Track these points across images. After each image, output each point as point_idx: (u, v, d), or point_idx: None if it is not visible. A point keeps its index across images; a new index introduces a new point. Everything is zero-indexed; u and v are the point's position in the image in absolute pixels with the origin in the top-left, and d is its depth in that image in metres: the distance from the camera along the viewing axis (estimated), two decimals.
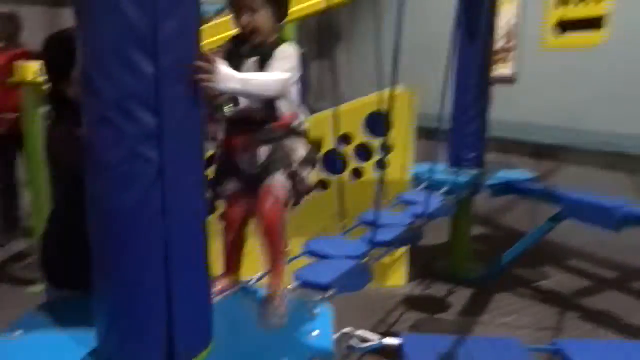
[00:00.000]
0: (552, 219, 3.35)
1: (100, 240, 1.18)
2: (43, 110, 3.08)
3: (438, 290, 3.62)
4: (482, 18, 2.75)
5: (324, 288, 1.69)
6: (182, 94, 1.14)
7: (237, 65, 1.36)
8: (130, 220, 1.13)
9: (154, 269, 1.14)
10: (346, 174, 3.49)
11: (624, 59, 3.85)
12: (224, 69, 1.23)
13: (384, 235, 2.19)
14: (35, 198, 3.21)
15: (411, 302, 3.48)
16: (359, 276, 1.84)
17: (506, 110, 4.67)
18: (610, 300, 3.51)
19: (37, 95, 3.08)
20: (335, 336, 1.43)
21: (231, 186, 1.50)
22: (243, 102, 1.44)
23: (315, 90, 7.00)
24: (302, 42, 4.57)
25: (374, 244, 2.05)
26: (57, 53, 1.58)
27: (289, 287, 1.66)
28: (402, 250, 3.65)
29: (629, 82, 3.85)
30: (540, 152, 4.62)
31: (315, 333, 1.35)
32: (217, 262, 1.58)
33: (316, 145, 1.59)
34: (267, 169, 1.43)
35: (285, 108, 1.45)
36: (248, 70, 1.40)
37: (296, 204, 1.53)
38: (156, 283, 1.15)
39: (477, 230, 4.76)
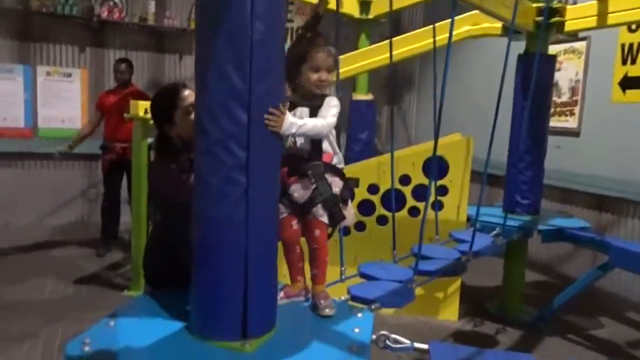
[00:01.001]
0: (600, 267, 3.45)
1: (200, 241, 1.58)
2: (149, 141, 3.65)
3: (488, 328, 3.76)
4: (534, 73, 3.01)
5: (369, 302, 2.03)
6: (265, 135, 1.55)
7: (292, 110, 1.72)
8: (222, 227, 1.53)
9: (236, 265, 1.53)
10: (404, 212, 3.78)
11: None
12: (289, 117, 1.60)
13: (428, 266, 2.49)
14: (137, 216, 3.71)
15: (461, 336, 3.65)
16: (400, 296, 2.15)
17: (571, 161, 4.78)
18: None
19: (145, 129, 3.65)
20: (374, 335, 1.75)
21: (283, 209, 1.81)
22: (299, 141, 1.78)
23: (385, 133, 7.30)
24: (374, 90, 4.97)
25: (418, 272, 2.36)
26: (162, 102, 2.05)
27: (342, 297, 2.02)
28: (456, 286, 3.87)
29: None
30: (602, 203, 4.66)
31: (357, 330, 1.68)
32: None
33: (353, 182, 1.93)
34: (311, 200, 1.78)
35: (326, 148, 1.80)
36: (301, 115, 1.75)
37: (333, 229, 1.88)
38: (237, 276, 1.53)
39: (535, 276, 4.85)
